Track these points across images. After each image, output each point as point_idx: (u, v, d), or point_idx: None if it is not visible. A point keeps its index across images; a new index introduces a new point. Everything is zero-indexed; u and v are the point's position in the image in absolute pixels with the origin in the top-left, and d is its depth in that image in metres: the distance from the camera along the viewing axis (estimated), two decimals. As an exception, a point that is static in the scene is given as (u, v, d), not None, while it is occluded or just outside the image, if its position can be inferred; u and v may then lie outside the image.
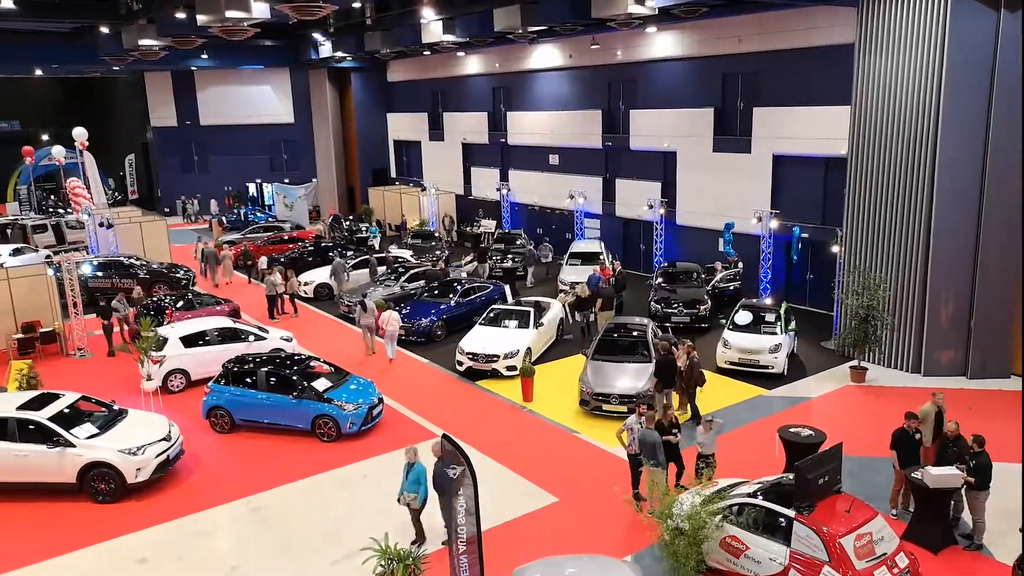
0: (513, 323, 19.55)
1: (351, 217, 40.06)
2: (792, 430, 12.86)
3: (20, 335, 20.48)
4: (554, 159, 32.68)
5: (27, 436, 13.01)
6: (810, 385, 17.65)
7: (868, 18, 17.90)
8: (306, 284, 26.37)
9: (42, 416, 13.16)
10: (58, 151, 44.12)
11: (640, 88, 28.66)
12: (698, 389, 15.69)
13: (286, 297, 24.47)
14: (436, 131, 39.51)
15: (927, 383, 17.18)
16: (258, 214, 41.76)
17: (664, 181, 27.80)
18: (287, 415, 15.41)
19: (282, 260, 28.16)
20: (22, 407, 13.37)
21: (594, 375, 16.29)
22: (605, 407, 15.81)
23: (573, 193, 30.14)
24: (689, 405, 15.65)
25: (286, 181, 44.30)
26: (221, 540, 12.25)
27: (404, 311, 21.91)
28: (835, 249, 19.83)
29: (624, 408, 15.59)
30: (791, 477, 10.25)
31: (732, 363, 18.10)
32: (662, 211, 26.59)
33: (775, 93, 23.76)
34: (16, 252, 29.62)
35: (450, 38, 28.50)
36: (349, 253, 28.91)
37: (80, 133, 40.22)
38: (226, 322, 19.59)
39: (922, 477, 10.98)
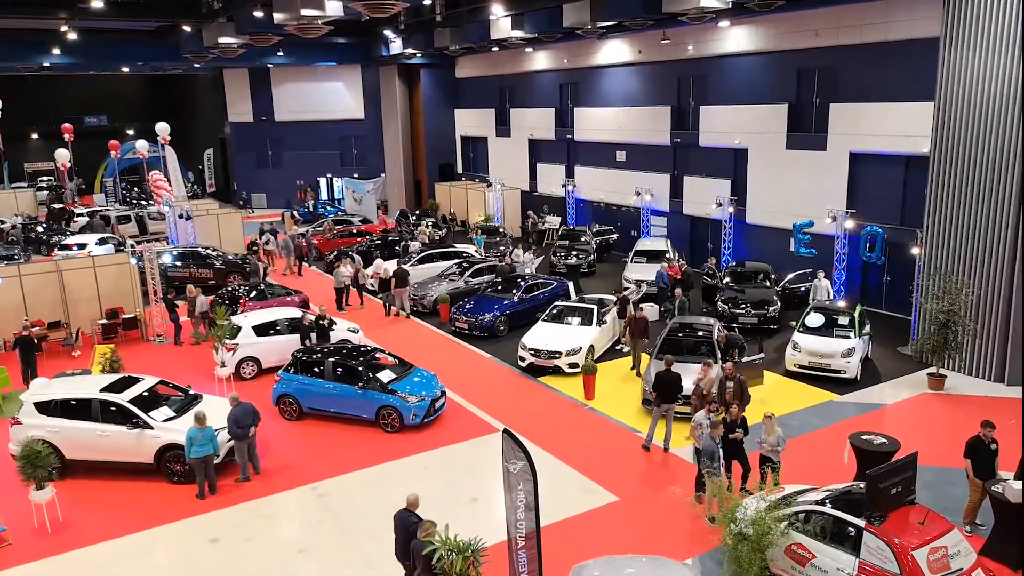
0: (576, 320, 19.47)
1: (417, 212, 40.57)
2: (864, 437, 12.43)
3: (104, 320, 21.47)
4: (621, 155, 32.38)
5: (109, 417, 13.62)
6: (884, 392, 17.02)
7: (954, 12, 17.11)
8: (373, 277, 26.80)
9: (123, 398, 13.76)
10: (142, 145, 46.04)
11: (711, 84, 28.11)
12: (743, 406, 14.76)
13: (353, 288, 24.99)
14: (503, 127, 39.65)
15: (1011, 393, 16.35)
16: (328, 208, 42.70)
17: (734, 179, 27.22)
18: (352, 405, 15.74)
19: (350, 253, 28.74)
20: (105, 389, 14.00)
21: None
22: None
23: (639, 190, 29.80)
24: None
25: (355, 176, 45.16)
26: (287, 524, 12.60)
27: (468, 306, 22.10)
28: (915, 251, 19.05)
29: (687, 409, 15.33)
30: (862, 486, 9.90)
31: (802, 367, 17.61)
32: (731, 209, 26.04)
33: (853, 88, 22.97)
34: (102, 242, 31.06)
35: (519, 34, 28.53)
36: (414, 247, 29.30)
37: (162, 128, 41.96)
38: (296, 312, 20.11)
39: (1003, 491, 10.46)
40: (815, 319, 18.33)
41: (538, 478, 9.19)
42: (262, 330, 18.85)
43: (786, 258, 24.24)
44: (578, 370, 17.73)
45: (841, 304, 19.45)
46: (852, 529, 9.54)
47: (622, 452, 14.54)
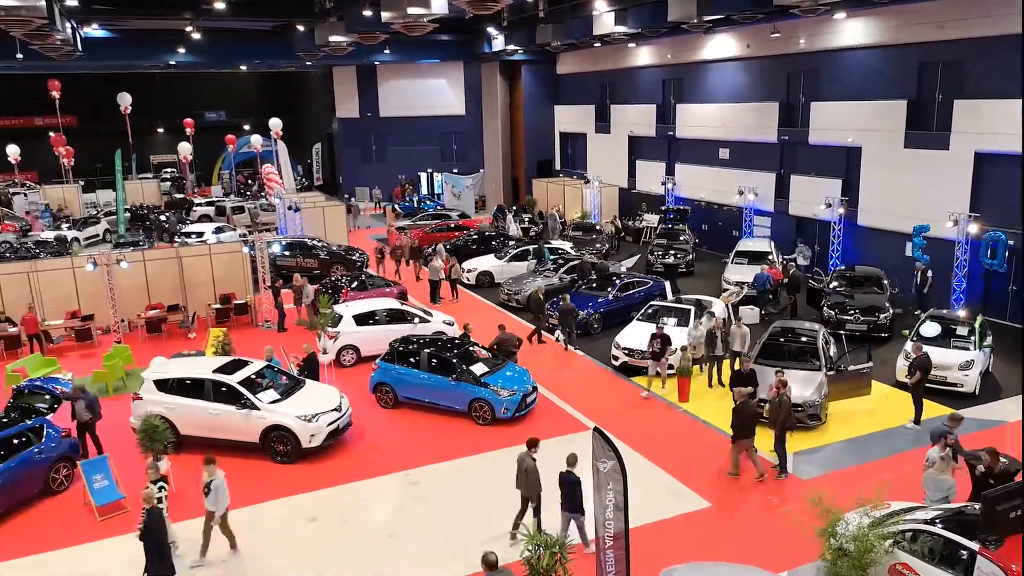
0: (672, 320, 19.11)
1: (514, 208, 40.83)
2: (981, 455, 11.60)
3: (218, 305, 22.70)
4: (724, 153, 31.50)
5: (220, 397, 14.39)
6: (1006, 408, 15.86)
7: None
8: (469, 271, 27.20)
9: (233, 380, 14.50)
10: (256, 139, 48.40)
11: (823, 79, 26.92)
12: (788, 434, 13.51)
13: (447, 282, 25.40)
14: (602, 123, 39.33)
15: None
16: (427, 202, 43.59)
17: (845, 178, 25.99)
18: (446, 396, 16.01)
19: (448, 247, 29.24)
20: (217, 370, 14.81)
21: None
22: (766, 414, 15.05)
23: (743, 189, 28.92)
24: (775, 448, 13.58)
25: (455, 171, 45.89)
26: (380, 508, 12.96)
27: (561, 303, 22.04)
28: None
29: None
30: (977, 507, 9.26)
31: (913, 378, 16.61)
32: (841, 210, 24.88)
33: (980, 84, 21.45)
34: (218, 231, 32.82)
35: (622, 29, 28.21)
36: (511, 243, 29.51)
37: (275, 123, 43.96)
38: (394, 304, 20.63)
39: None
40: (931, 328, 17.28)
41: (628, 479, 9.08)
42: (362, 319, 19.45)
43: (900, 263, 22.95)
44: (673, 371, 17.40)
45: (960, 313, 18.25)
46: (965, 552, 8.95)
47: (716, 457, 14.15)
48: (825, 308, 20.53)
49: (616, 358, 18.60)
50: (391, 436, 15.49)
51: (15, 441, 12.91)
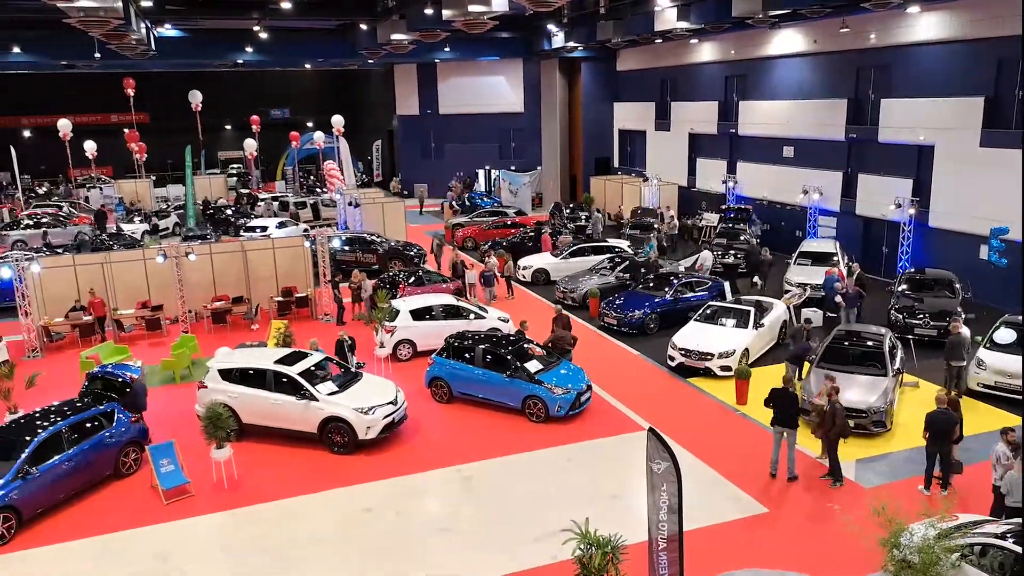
0: (731, 322, 18.75)
1: (571, 205, 40.67)
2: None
3: (280, 298, 23.25)
4: (788, 151, 30.76)
5: (281, 387, 14.73)
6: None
7: None
8: (524, 269, 27.21)
9: (293, 371, 14.83)
10: (319, 136, 49.35)
11: (895, 75, 26.02)
12: (840, 440, 13.08)
13: (502, 279, 25.46)
14: (662, 121, 38.85)
15: None
16: (484, 199, 43.78)
17: (916, 178, 25.08)
18: (500, 392, 16.06)
19: (504, 244, 29.32)
20: (278, 361, 15.17)
21: (818, 384, 15.16)
22: (815, 418, 14.65)
23: (807, 188, 28.19)
24: (828, 457, 13.21)
25: (512, 168, 45.98)
26: (433, 501, 13.08)
27: (618, 302, 21.89)
28: None
29: (850, 422, 14.35)
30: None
31: (987, 386, 15.98)
32: (912, 211, 24.02)
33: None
34: (281, 225, 33.61)
35: (684, 25, 27.82)
36: (568, 241, 29.40)
37: (337, 120, 44.75)
38: (450, 299, 20.79)
39: None
40: (1006, 335, 16.54)
41: (683, 481, 8.95)
42: (419, 314, 19.66)
43: (974, 266, 22.04)
44: (730, 373, 17.09)
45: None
46: (1040, 571, 8.54)
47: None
48: (892, 312, 19.87)
49: (672, 359, 18.35)
50: (445, 431, 15.63)
51: (88, 425, 13.46)
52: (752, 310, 18.94)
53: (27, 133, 57.16)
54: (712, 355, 17.66)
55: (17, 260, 20.66)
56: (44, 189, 50.62)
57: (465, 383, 16.51)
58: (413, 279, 23.90)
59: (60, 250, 28.69)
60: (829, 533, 11.50)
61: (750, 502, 12.53)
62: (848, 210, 27.62)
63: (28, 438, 12.51)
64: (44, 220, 35.28)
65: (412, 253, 28.81)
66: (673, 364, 18.33)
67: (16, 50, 36.85)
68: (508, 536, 11.80)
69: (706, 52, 34.95)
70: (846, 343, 16.38)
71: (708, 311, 19.47)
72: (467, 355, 16.59)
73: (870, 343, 16.23)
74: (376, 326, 19.10)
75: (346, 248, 28.40)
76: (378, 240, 29.11)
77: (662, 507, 9.17)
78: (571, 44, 37.34)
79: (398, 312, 19.52)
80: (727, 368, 17.41)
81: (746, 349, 17.83)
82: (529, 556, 11.26)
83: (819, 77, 29.26)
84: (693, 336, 18.39)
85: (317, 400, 14.46)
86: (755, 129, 32.09)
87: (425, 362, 17.51)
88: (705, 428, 15.31)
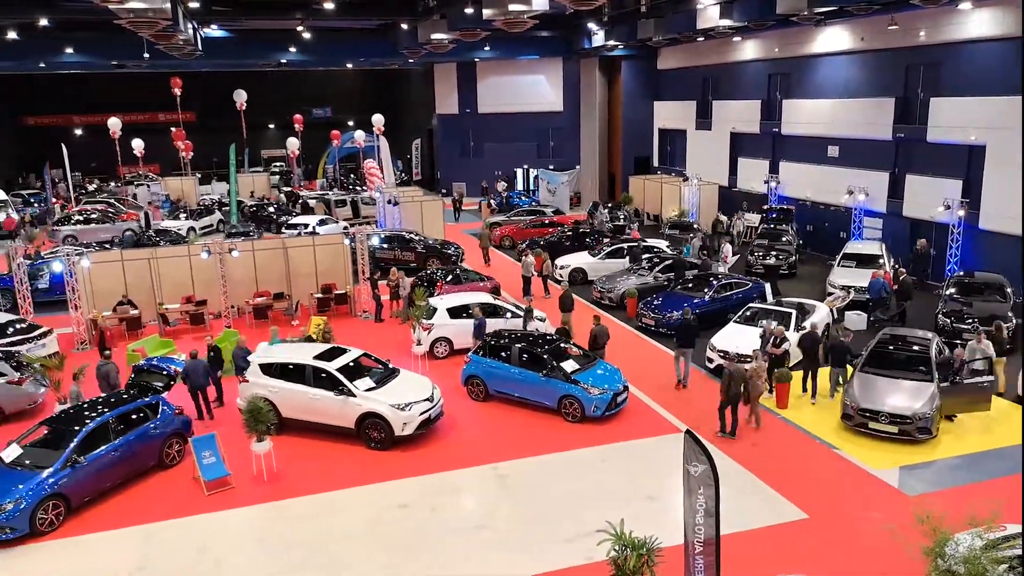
0: (772, 324, 18.41)
1: (610, 205, 40.45)
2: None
3: (319, 295, 23.55)
4: (833, 151, 30.16)
5: (319, 382, 14.92)
6: None
7: None
8: (562, 268, 27.14)
9: (332, 366, 15.00)
10: (359, 135, 49.86)
11: (945, 73, 25.33)
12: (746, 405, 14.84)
13: (539, 278, 25.42)
14: (703, 120, 38.40)
15: None
16: (522, 198, 43.77)
17: (967, 178, 24.39)
18: (536, 391, 16.04)
19: (541, 243, 29.28)
20: (317, 357, 15.36)
21: (861, 389, 14.86)
22: (871, 425, 14.36)
23: (852, 188, 27.61)
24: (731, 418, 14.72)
25: (551, 167, 45.89)
26: (469, 499, 13.13)
27: (655, 302, 21.70)
28: None
29: (894, 428, 14.06)
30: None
31: (1038, 395, 15.46)
32: (961, 213, 23.37)
33: None
34: (322, 223, 34.04)
35: (727, 23, 27.46)
36: (606, 240, 29.27)
37: (378, 119, 45.18)
38: (487, 298, 20.82)
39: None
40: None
41: (720, 484, 8.84)
42: (456, 313, 19.74)
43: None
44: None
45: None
46: (1094, 586, 8.23)
47: (815, 467, 13.61)
48: (939, 316, 19.35)
49: (711, 360, 18.13)
50: (481, 428, 15.66)
51: (134, 416, 13.80)
52: (794, 312, 18.62)
53: (78, 131, 58.82)
54: (752, 357, 17.37)
55: (68, 255, 21.27)
56: (94, 186, 52.01)
57: (501, 382, 16.53)
58: (451, 277, 24.00)
59: (108, 245, 29.45)
60: (871, 541, 11.25)
61: (789, 508, 12.32)
62: (895, 211, 26.98)
63: (76, 428, 12.87)
64: (94, 216, 36.28)
65: (450, 252, 28.95)
66: (711, 366, 18.11)
67: (69, 51, 37.97)
68: (543, 535, 11.78)
69: (749, 50, 34.45)
70: (891, 347, 16.00)
71: (748, 312, 19.19)
72: (503, 353, 16.60)
73: (916, 347, 15.84)
74: (413, 324, 19.23)
75: (385, 246, 28.63)
76: (417, 238, 29.30)
77: (699, 510, 9.07)
78: (611, 43, 37.11)
79: (435, 310, 19.63)
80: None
81: (787, 352, 17.51)
82: (563, 556, 11.23)
83: (866, 75, 28.63)
84: (732, 338, 18.14)
85: (355, 396, 14.61)
86: (799, 128, 31.52)
87: (462, 360, 17.57)
88: (744, 431, 15.08)
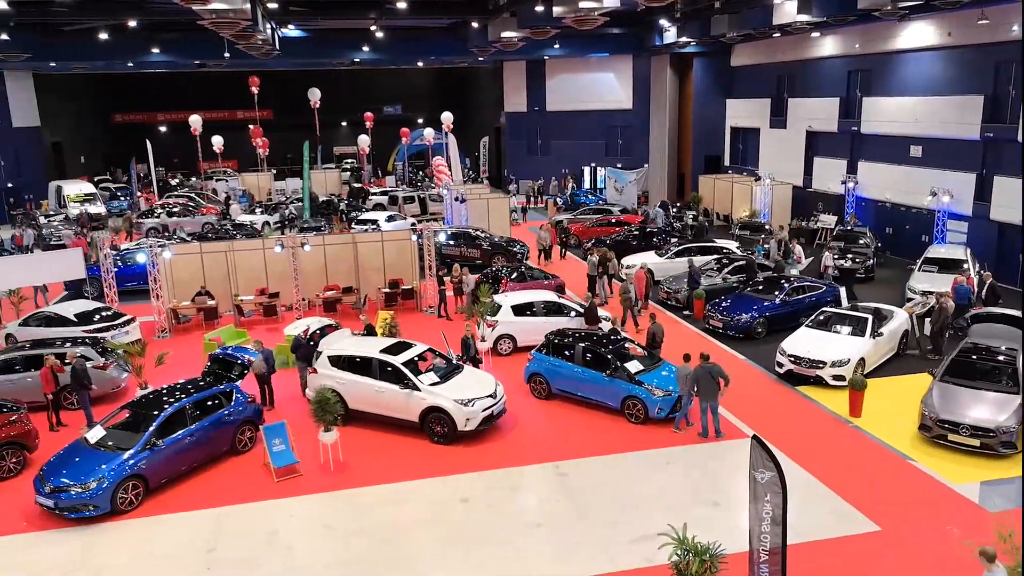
0: (846, 329, 17.84)
1: (678, 204, 39.87)
2: None
3: (387, 289, 23.96)
4: (916, 150, 28.95)
5: (385, 376, 15.18)
6: None
7: None
8: (628, 268, 26.86)
9: (398, 360, 15.24)
10: (428, 133, 50.51)
11: (1039, 68, 24.01)
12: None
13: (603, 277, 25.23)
14: (778, 118, 37.41)
15: None
16: (589, 196, 43.54)
17: (1061, 180, 23.07)
18: (599, 391, 15.94)
19: (607, 242, 29.06)
20: (383, 351, 15.63)
21: (941, 399, 14.22)
22: (951, 437, 13.74)
23: (935, 190, 26.44)
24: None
25: (619, 166, 45.51)
26: (529, 496, 13.13)
27: (724, 304, 21.28)
28: None
29: (976, 441, 13.42)
30: None
31: None
32: (1054, 216, 22.11)
33: None
34: (390, 219, 34.61)
35: (805, 18, 26.68)
36: (674, 240, 28.87)
37: (447, 117, 45.68)
38: (551, 296, 20.80)
39: None
40: None
41: (788, 492, 8.61)
42: (520, 310, 19.78)
43: None
44: (844, 383, 16.27)
45: None
46: None
47: (889, 479, 13.09)
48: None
49: (781, 365, 17.66)
50: (543, 426, 15.65)
51: (209, 403, 14.31)
52: (870, 317, 17.96)
53: (163, 128, 61.41)
54: (824, 363, 16.88)
55: (151, 247, 22.22)
56: (176, 180, 54.23)
57: (564, 380, 16.48)
58: (515, 275, 24.06)
59: (188, 238, 30.64)
60: (947, 558, 10.76)
61: (860, 519, 11.89)
62: (981, 214, 25.71)
63: (156, 413, 13.44)
64: (175, 210, 37.81)
65: (516, 249, 29.01)
66: (781, 371, 17.65)
67: (155, 51, 39.66)
68: (602, 536, 11.70)
69: (828, 46, 33.37)
70: (974, 356, 15.27)
71: (821, 317, 18.61)
72: (567, 352, 16.54)
73: (1001, 358, 15.07)
74: (478, 320, 19.36)
75: (451, 243, 28.91)
76: (483, 236, 29.49)
77: (765, 518, 8.86)
78: (683, 39, 36.54)
79: (500, 307, 19.71)
80: (840, 378, 16.59)
81: (862, 359, 16.93)
82: (623, 557, 11.13)
83: (953, 72, 27.36)
84: (804, 342, 17.63)
85: (419, 390, 14.80)
86: (879, 127, 30.38)
87: (525, 357, 17.59)
88: (814, 439, 14.66)
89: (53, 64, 41.49)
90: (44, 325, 19.80)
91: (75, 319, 19.81)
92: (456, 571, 11.00)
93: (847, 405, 15.69)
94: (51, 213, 38.48)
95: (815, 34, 32.72)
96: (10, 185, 43.63)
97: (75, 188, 41.27)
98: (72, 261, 23.81)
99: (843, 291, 21.72)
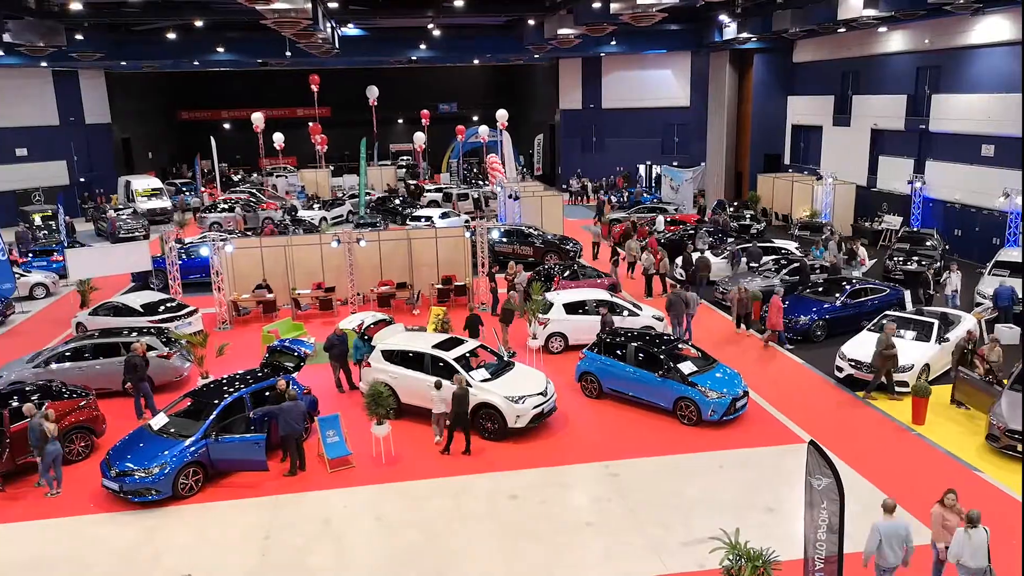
0: (910, 334, 17.26)
1: (735, 203, 39.14)
2: None
3: (440, 286, 24.15)
4: (987, 149, 27.79)
5: (437, 371, 15.27)
6: None
7: None
8: (681, 268, 26.49)
9: (450, 356, 15.34)
10: (483, 130, 50.66)
11: (1124, 63, 22.76)
12: None
13: (657, 276, 24.95)
14: (841, 115, 36.37)
15: None
16: (643, 195, 43.09)
17: None
18: (651, 391, 15.77)
19: (661, 241, 28.72)
20: (435, 346, 15.75)
21: (1010, 408, 13.63)
22: (1020, 448, 13.16)
23: (1008, 191, 25.35)
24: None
25: (675, 164, 44.93)
26: (579, 495, 13.08)
27: (784, 306, 20.77)
28: None
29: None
30: None
31: None
32: None
33: None
34: (444, 216, 34.87)
35: (872, 12, 25.83)
36: (730, 240, 28.36)
37: (501, 115, 45.74)
38: (604, 295, 20.65)
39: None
40: None
41: (845, 499, 8.37)
42: (572, 308, 19.70)
43: None
44: (907, 390, 15.75)
45: None
46: None
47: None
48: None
49: (840, 369, 17.18)
50: (593, 425, 15.56)
51: (267, 393, 14.65)
52: (936, 322, 17.34)
53: (226, 125, 63.09)
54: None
55: (214, 240, 22.86)
56: (238, 176, 55.67)
57: (616, 380, 16.36)
58: (568, 273, 23.97)
59: (249, 232, 31.41)
60: (1013, 573, 10.30)
61: (923, 530, 11.47)
62: (1058, 216, 24.57)
63: (216, 401, 13.81)
64: (237, 205, 38.81)
65: (568, 247, 28.91)
66: (841, 375, 17.17)
67: (220, 50, 40.77)
68: (653, 537, 11.58)
69: (895, 41, 32.29)
70: (1048, 365, 14.60)
71: (884, 320, 18.04)
72: (619, 352, 16.41)
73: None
74: (529, 317, 19.36)
75: (504, 240, 28.97)
76: (536, 233, 29.46)
77: (821, 525, 8.64)
78: (744, 35, 35.80)
79: (552, 305, 19.66)
80: (903, 384, 16.06)
81: (926, 365, 16.37)
82: (674, 561, 11.00)
83: (1029, 67, 26.18)
84: (866, 346, 17.10)
85: (471, 386, 14.86)
86: (949, 125, 29.26)
87: (576, 356, 17.52)
88: (874, 446, 14.22)
89: (124, 63, 43.08)
90: (112, 315, 20.57)
91: (141, 309, 20.52)
92: (505, 567, 11.03)
93: (910, 412, 15.19)
94: (120, 207, 39.96)
95: (882, 29, 31.69)
96: (82, 180, 45.50)
97: (143, 183, 42.77)
98: (139, 253, 24.67)
99: (908, 294, 21.02)
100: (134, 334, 17.72)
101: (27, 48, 29.81)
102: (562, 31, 30.01)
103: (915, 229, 27.80)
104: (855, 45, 34.59)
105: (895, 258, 25.44)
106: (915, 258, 25.05)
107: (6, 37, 28.06)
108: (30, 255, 29.45)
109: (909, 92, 31.88)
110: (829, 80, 37.67)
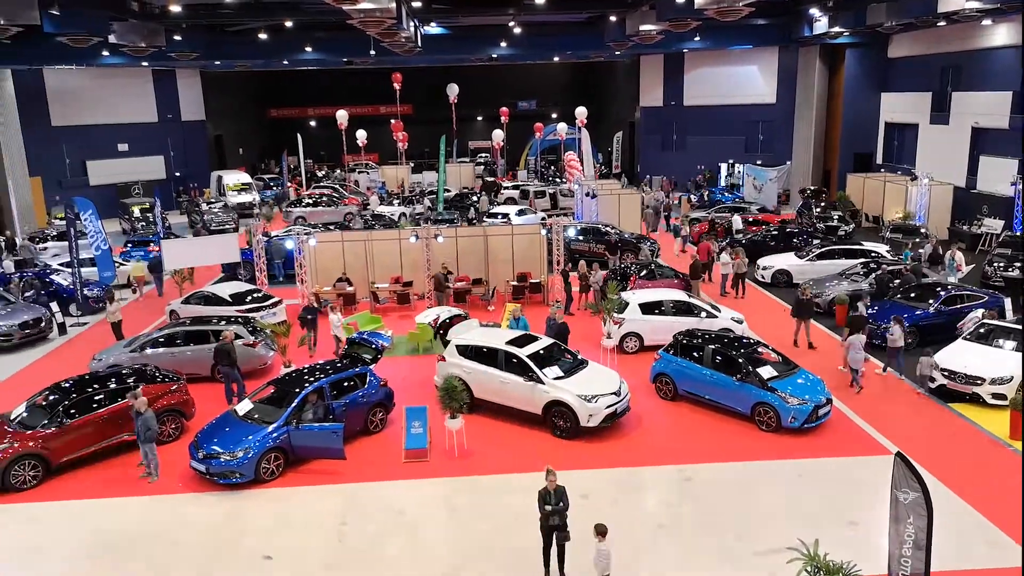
0: (1010, 344, 16.30)
1: (822, 204, 37.78)
2: None
3: (515, 282, 24.24)
4: (1102, 149, 25.98)
5: (510, 367, 15.35)
6: None
7: None
8: (764, 269, 25.81)
9: (523, 353, 15.38)
10: (562, 127, 50.58)
11: None
12: None
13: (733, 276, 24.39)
14: (939, 113, 34.61)
15: None
16: (725, 194, 42.13)
17: None
18: (728, 395, 15.41)
19: (742, 241, 28.03)
20: (510, 343, 15.83)
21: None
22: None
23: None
24: None
25: (758, 163, 43.74)
26: (651, 497, 12.91)
27: (871, 311, 19.97)
28: None
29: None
30: None
31: None
32: None
33: None
34: (521, 213, 34.97)
35: (975, 4, 24.52)
36: (816, 242, 27.43)
37: (581, 112, 45.54)
38: (682, 295, 20.30)
39: None
40: None
41: (933, 515, 7.98)
42: (648, 308, 19.44)
43: None
44: (1005, 403, 14.90)
45: None
46: None
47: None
48: None
49: (932, 379, 16.37)
50: (667, 428, 15.33)
51: (346, 384, 15.04)
52: (1039, 332, 16.31)
53: (312, 123, 65.04)
54: (983, 380, 15.50)
55: (298, 234, 23.60)
56: (323, 172, 57.30)
57: (692, 382, 16.06)
58: (644, 272, 23.67)
59: (331, 227, 32.29)
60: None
61: (1015, 549, 10.84)
62: None
63: (297, 390, 14.27)
64: (321, 200, 39.95)
65: (646, 246, 28.53)
66: (933, 385, 16.36)
67: (308, 49, 42.05)
68: (726, 544, 11.33)
69: (1000, 35, 30.49)
70: None
71: (982, 329, 17.10)
72: (696, 354, 16.10)
73: None
74: (604, 316, 19.22)
75: (579, 238, 28.83)
76: (612, 232, 29.21)
77: (907, 541, 8.29)
78: (835, 29, 34.49)
79: (627, 304, 19.46)
80: (1001, 396, 15.20)
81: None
82: (748, 569, 10.74)
83: None
84: (960, 356, 16.25)
85: (543, 383, 14.88)
86: (1058, 123, 27.48)
87: (651, 356, 17.28)
88: (966, 461, 13.51)
89: (218, 63, 45.01)
90: (203, 303, 21.52)
91: (230, 299, 21.38)
92: (575, 564, 10.98)
93: (1007, 426, 14.36)
94: (212, 200, 41.75)
95: (986, 22, 29.99)
96: (178, 174, 47.79)
97: (233, 178, 44.58)
98: (228, 245, 25.72)
99: (1009, 302, 19.85)
100: (223, 322, 18.48)
101: (130, 48, 31.55)
102: (644, 27, 29.62)
103: (1017, 234, 26.19)
104: (956, 39, 32.87)
105: (995, 264, 24.07)
106: (1017, 264, 23.63)
107: (111, 38, 29.76)
108: (128, 245, 31.12)
109: (1015, 88, 30.05)
110: (926, 76, 35.91)
